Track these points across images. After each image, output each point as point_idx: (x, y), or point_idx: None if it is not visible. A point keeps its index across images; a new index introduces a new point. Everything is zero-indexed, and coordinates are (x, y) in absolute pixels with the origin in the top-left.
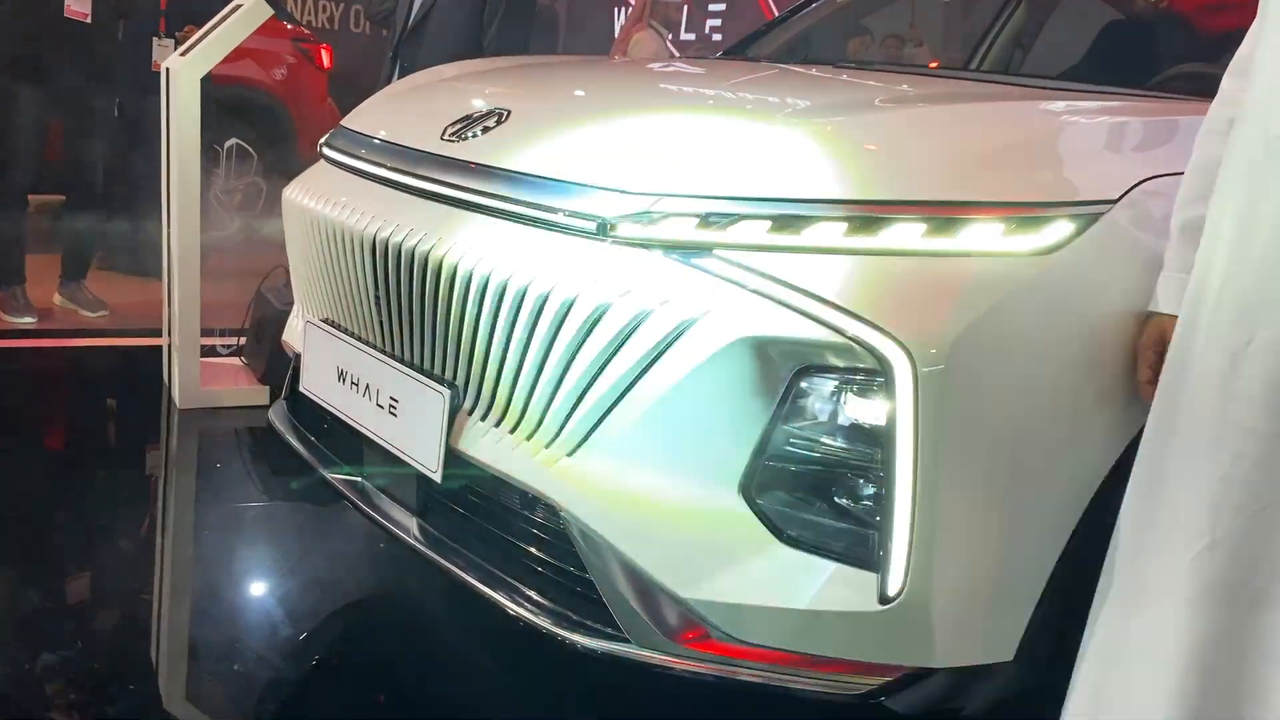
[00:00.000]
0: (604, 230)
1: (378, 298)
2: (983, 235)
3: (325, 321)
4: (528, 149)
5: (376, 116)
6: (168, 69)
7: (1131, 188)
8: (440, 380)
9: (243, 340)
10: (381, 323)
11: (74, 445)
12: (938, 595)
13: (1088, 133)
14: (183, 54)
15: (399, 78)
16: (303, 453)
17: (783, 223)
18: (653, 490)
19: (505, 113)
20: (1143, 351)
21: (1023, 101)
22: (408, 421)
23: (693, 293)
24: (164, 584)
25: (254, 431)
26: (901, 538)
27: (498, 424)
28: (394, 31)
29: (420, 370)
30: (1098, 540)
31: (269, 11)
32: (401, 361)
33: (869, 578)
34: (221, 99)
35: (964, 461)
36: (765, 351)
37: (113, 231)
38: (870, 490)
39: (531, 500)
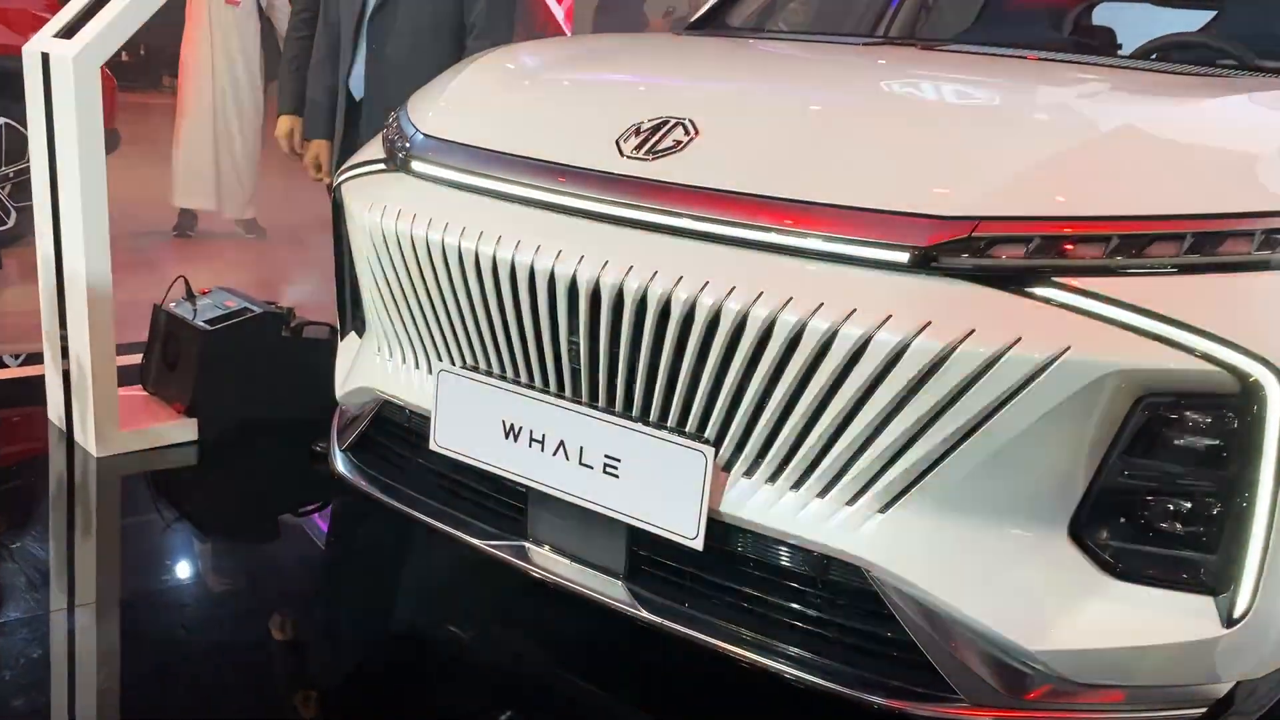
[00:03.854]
0: (922, 262)
1: (573, 343)
2: None
3: (471, 369)
4: (776, 169)
5: (477, 125)
6: (45, 55)
7: None
8: (693, 437)
9: (141, 363)
10: (577, 372)
11: None
12: (1277, 608)
13: None
14: (60, 35)
15: (366, 61)
16: (426, 520)
17: (1121, 243)
18: (979, 541)
19: (689, 122)
20: None
21: (1259, 92)
22: (638, 483)
23: (1045, 327)
24: None
25: (200, 476)
26: (1254, 558)
27: (770, 480)
28: (349, 12)
29: (656, 425)
30: None
31: None
32: (618, 415)
33: (1209, 602)
34: None
35: None
36: (1114, 383)
37: None
38: (1216, 514)
39: (821, 561)
